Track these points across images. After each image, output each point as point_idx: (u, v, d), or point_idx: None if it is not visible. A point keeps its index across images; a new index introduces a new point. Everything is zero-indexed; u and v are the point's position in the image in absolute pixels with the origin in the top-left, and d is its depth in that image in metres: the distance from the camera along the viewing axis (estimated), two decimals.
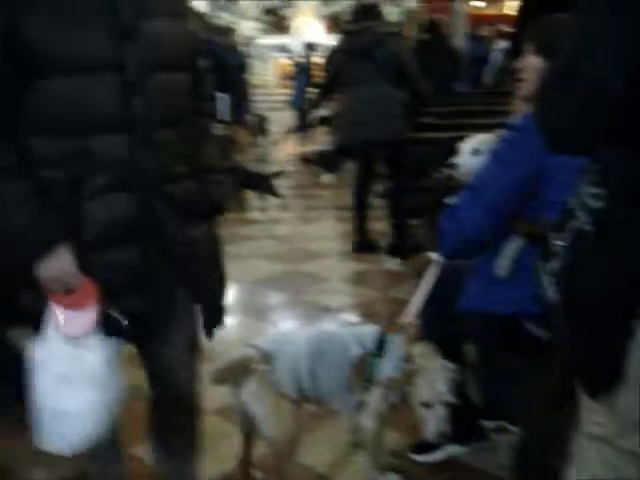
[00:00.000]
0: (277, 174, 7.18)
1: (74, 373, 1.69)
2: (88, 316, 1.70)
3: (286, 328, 4.18)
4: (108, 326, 1.74)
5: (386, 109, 5.08)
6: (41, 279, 1.66)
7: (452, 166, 2.58)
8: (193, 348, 2.08)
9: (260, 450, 2.48)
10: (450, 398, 2.22)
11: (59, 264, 1.65)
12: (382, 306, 4.45)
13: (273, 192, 7.08)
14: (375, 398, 2.36)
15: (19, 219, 1.63)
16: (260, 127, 10.95)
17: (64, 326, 1.69)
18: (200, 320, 2.01)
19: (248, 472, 2.51)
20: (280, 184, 7.17)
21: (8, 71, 1.60)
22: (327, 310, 4.43)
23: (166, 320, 1.91)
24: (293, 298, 4.71)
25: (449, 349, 2.43)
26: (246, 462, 2.50)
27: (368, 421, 2.39)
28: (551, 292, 1.38)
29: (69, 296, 1.68)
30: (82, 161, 1.66)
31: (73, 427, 1.72)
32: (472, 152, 2.53)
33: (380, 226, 5.90)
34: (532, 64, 2.17)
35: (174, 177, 1.81)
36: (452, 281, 2.42)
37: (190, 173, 1.88)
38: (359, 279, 5.16)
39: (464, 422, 2.54)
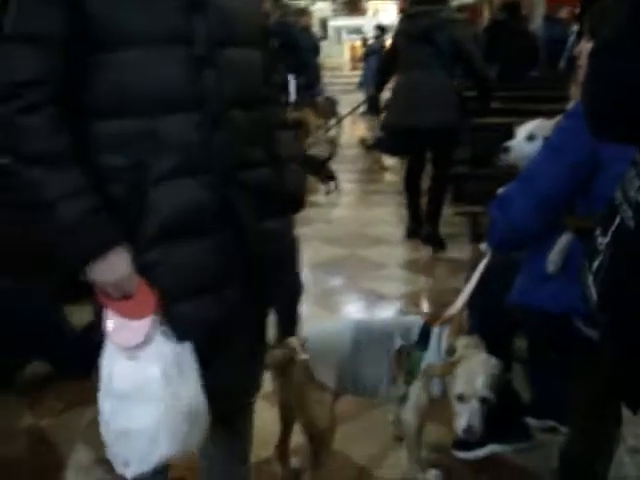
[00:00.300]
0: (329, 157, 7.13)
1: (134, 389, 1.52)
2: (144, 325, 1.52)
3: (340, 314, 4.14)
4: (174, 332, 1.57)
5: (435, 97, 4.95)
6: (93, 283, 1.51)
7: (505, 150, 2.49)
8: (259, 351, 1.94)
9: (298, 438, 2.45)
10: (488, 394, 2.13)
11: (113, 268, 1.48)
12: (437, 295, 4.37)
13: (329, 175, 7.04)
14: (416, 391, 2.30)
15: (67, 216, 1.45)
16: (330, 110, 10.90)
17: (117, 335, 1.53)
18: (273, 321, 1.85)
19: (285, 459, 2.49)
20: (342, 168, 7.12)
21: (69, 46, 1.47)
22: (382, 297, 4.37)
23: (235, 325, 1.70)
24: (350, 283, 4.67)
25: (497, 343, 2.36)
26: (284, 449, 2.47)
27: (409, 415, 2.34)
28: (594, 291, 1.30)
29: (124, 302, 1.51)
30: (147, 144, 1.50)
31: (138, 447, 1.54)
32: (527, 137, 2.43)
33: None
34: (587, 49, 2.06)
35: (249, 163, 1.63)
36: (504, 274, 2.33)
37: (266, 161, 1.70)
38: (417, 267, 5.07)
39: (509, 420, 2.46)
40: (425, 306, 4.24)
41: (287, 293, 1.84)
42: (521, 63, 7.51)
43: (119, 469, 1.59)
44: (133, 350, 1.52)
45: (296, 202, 1.88)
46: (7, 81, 1.44)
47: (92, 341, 3.41)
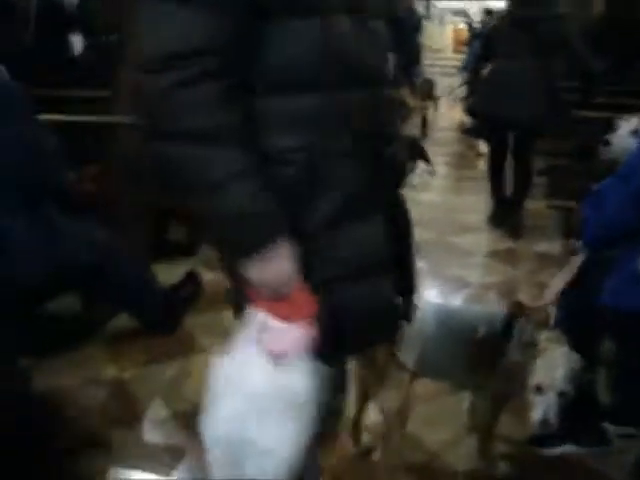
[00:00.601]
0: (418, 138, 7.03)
1: (274, 400, 1.32)
2: (299, 333, 1.32)
3: (425, 298, 4.10)
4: (324, 348, 1.36)
5: (525, 88, 4.86)
6: (246, 279, 1.31)
7: (606, 143, 2.43)
8: None
9: (372, 416, 2.46)
10: (566, 388, 2.08)
11: (276, 265, 1.29)
12: (523, 288, 4.29)
13: (424, 157, 6.95)
14: (495, 381, 2.28)
15: (234, 200, 1.25)
16: (428, 92, 10.76)
17: (265, 338, 1.33)
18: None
19: (358, 436, 2.50)
20: (437, 151, 7.03)
21: (239, 11, 1.26)
22: (468, 285, 4.32)
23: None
24: (435, 269, 4.61)
25: (584, 343, 2.30)
26: (357, 426, 2.49)
27: (485, 404, 2.32)
28: None
29: (279, 305, 1.31)
30: (324, 121, 1.35)
31: (259, 463, 1.34)
32: (631, 131, 2.36)
33: (534, 204, 5.66)
34: None
35: (390, 139, 1.52)
36: (595, 273, 2.27)
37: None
38: (505, 257, 4.97)
39: (587, 422, 2.40)
40: (510, 297, 4.17)
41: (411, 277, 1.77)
42: (634, 56, 7.24)
43: (219, 471, 1.38)
44: (280, 357, 1.33)
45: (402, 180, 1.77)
46: (165, 50, 1.22)
47: (179, 300, 3.54)
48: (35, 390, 2.72)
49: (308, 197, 1.35)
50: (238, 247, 1.30)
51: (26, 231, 2.82)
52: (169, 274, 3.63)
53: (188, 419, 2.69)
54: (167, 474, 2.43)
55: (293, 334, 1.32)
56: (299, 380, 1.33)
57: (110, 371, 3.07)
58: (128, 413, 2.77)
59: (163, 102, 1.24)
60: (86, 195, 3.33)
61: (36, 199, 2.89)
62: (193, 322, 3.47)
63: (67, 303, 3.37)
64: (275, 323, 1.32)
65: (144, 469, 2.46)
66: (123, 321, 3.39)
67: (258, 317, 1.34)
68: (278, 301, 1.31)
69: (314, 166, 1.34)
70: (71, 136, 3.41)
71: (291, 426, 1.33)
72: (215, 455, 1.38)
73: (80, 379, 2.98)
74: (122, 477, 2.43)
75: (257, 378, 1.33)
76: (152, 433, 2.69)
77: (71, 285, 3.16)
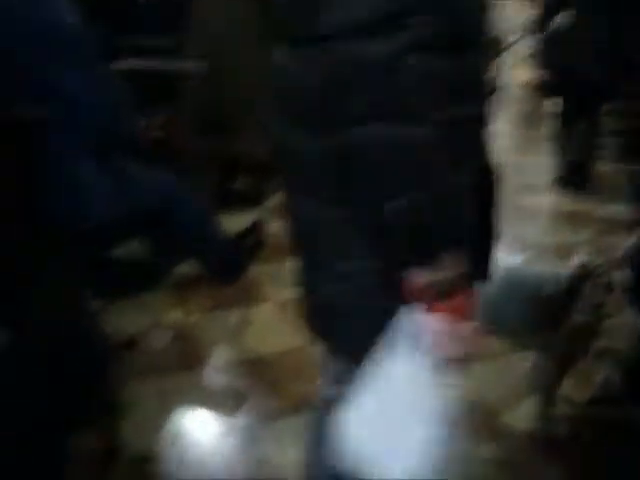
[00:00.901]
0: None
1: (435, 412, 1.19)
2: (470, 330, 1.20)
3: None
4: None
5: (596, 46, 4.70)
6: (410, 281, 1.14)
7: None
8: None
9: None
10: (630, 351, 2.06)
11: (448, 268, 1.13)
12: (590, 251, 4.21)
13: None
14: (558, 342, 2.26)
15: (442, 201, 1.08)
16: (494, 48, 10.50)
17: (439, 344, 1.18)
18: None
19: None
20: (500, 110, 6.86)
21: None
22: (531, 247, 4.25)
23: None
24: (499, 230, 4.55)
25: None
26: None
27: (548, 364, 2.30)
28: None
29: (449, 303, 1.16)
30: (464, 87, 1.12)
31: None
32: None
33: (603, 166, 5.52)
34: None
35: None
36: None
37: None
38: (571, 219, 4.88)
39: None
40: (576, 259, 4.10)
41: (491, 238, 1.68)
42: None
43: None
44: (452, 360, 1.20)
45: None
46: (390, 8, 1.00)
47: (244, 248, 3.57)
48: (102, 333, 2.80)
49: (466, 182, 1.15)
50: (423, 251, 1.12)
51: (97, 177, 2.85)
52: (235, 223, 3.66)
53: (250, 366, 2.76)
54: (229, 417, 2.48)
55: (464, 336, 1.19)
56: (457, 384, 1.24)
57: (176, 315, 3.14)
58: (192, 356, 2.84)
59: (387, 72, 1.01)
60: (154, 143, 3.36)
61: (108, 146, 2.92)
62: (257, 271, 3.52)
63: (134, 248, 3.43)
64: (446, 326, 1.17)
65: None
66: (189, 267, 3.44)
67: (422, 321, 1.18)
68: (443, 303, 1.16)
69: (463, 137, 1.12)
70: (140, 84, 3.43)
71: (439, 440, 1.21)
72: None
73: (146, 323, 3.06)
74: (186, 416, 2.49)
75: (421, 388, 1.19)
76: (215, 377, 2.75)
77: (138, 232, 3.21)
